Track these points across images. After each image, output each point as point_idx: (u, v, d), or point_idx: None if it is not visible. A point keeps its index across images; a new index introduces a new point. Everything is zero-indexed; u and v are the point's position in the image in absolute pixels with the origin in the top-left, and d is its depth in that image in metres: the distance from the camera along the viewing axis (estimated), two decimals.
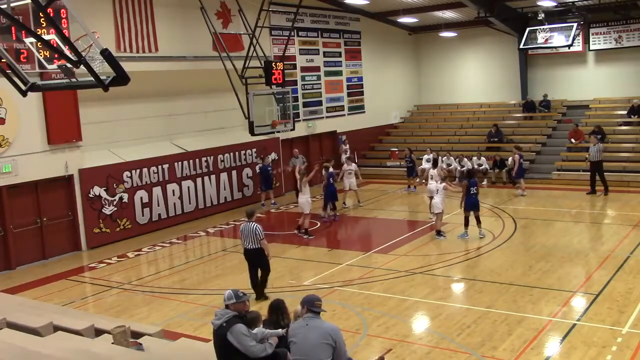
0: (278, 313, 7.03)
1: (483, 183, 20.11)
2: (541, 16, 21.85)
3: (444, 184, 15.19)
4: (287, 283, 12.47)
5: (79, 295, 12.52)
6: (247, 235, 11.23)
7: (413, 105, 29.34)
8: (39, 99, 14.83)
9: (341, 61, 25.05)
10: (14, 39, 11.15)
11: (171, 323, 10.46)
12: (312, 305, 6.13)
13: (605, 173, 19.36)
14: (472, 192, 14.79)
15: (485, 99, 27.75)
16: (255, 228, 11.13)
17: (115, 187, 16.56)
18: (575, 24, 21.80)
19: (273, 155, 21.14)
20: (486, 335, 9.32)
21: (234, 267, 13.93)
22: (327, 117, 24.39)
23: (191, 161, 18.64)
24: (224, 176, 19.66)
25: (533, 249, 13.91)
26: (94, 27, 6.70)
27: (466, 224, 14.97)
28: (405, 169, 22.16)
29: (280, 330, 6.69)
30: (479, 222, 14.91)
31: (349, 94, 25.50)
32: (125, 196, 16.80)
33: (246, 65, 17.73)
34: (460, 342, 9.15)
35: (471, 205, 14.82)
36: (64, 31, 6.92)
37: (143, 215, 17.27)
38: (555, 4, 22.19)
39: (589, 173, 19.52)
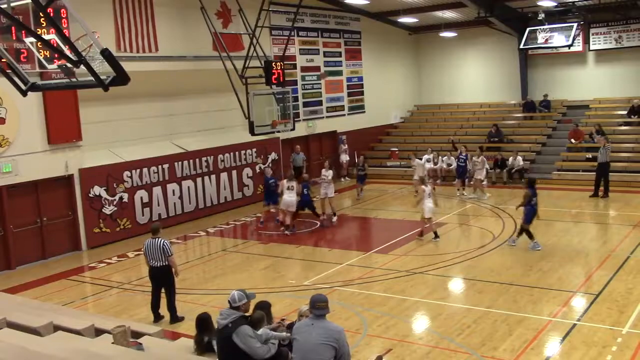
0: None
1: (483, 183, 20.10)
2: (541, 16, 21.86)
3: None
4: (287, 283, 12.47)
5: (79, 295, 12.52)
6: (154, 253, 10.41)
7: (413, 105, 29.33)
8: (39, 99, 14.82)
9: (341, 61, 25.05)
10: (14, 38, 11.18)
11: None
12: (314, 307, 6.15)
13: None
14: (533, 202, 13.60)
15: (485, 99, 27.74)
16: (163, 244, 10.40)
17: (115, 186, 16.56)
18: (575, 24, 21.82)
19: (273, 155, 21.11)
20: (486, 335, 9.32)
21: (234, 266, 13.94)
22: (327, 117, 24.39)
23: (191, 161, 18.63)
24: (224, 176, 19.66)
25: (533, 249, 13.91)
26: (94, 27, 6.71)
27: (530, 236, 13.79)
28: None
29: (284, 334, 6.76)
30: (522, 232, 13.86)
31: (349, 94, 25.50)
32: (126, 196, 16.80)
33: (246, 65, 17.72)
34: (460, 342, 9.15)
35: (533, 215, 13.63)
36: (64, 31, 6.93)
37: (143, 215, 17.27)
38: (555, 4, 22.18)
39: (594, 175, 19.12)
